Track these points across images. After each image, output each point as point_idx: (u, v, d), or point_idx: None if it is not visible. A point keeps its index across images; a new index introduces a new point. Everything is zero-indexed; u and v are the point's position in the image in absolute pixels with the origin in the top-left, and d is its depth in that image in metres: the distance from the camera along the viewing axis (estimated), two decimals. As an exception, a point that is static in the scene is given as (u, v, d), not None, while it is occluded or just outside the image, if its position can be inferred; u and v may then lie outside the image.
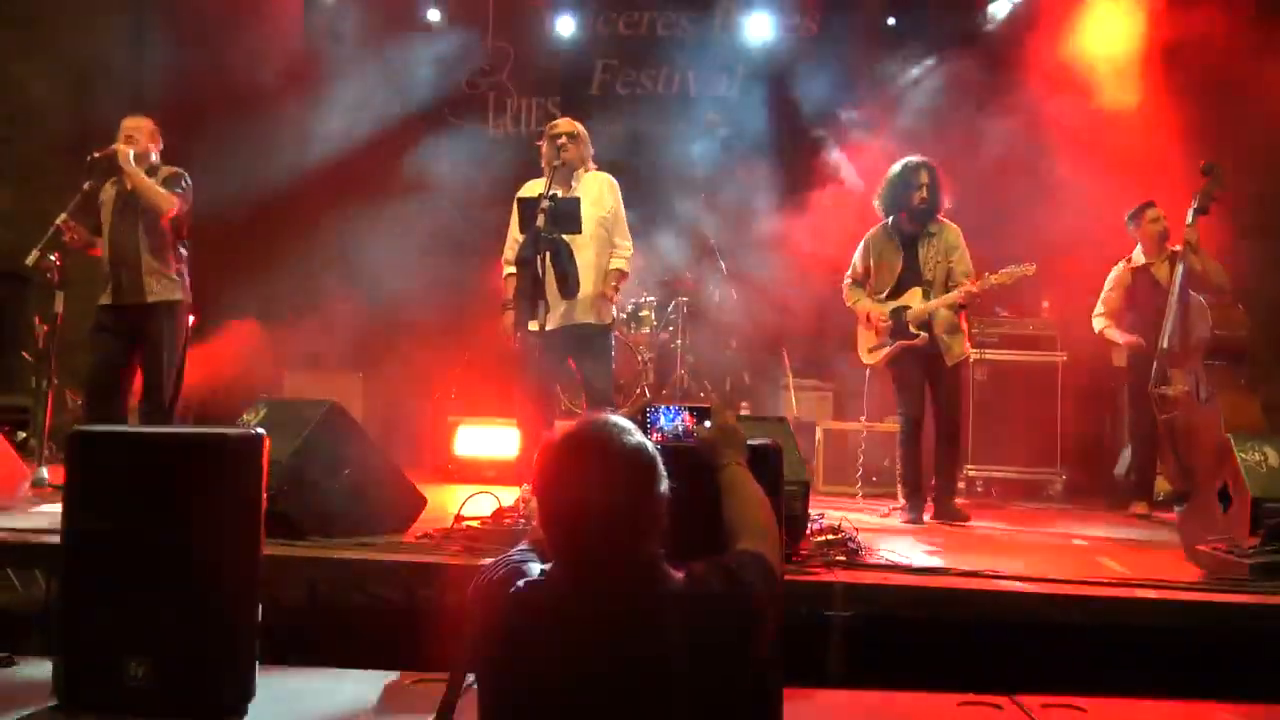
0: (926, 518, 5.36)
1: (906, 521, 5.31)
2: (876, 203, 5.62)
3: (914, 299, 5.44)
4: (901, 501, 5.53)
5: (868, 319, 5.56)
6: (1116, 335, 6.06)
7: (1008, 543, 4.70)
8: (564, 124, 5.00)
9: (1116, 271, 6.12)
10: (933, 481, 5.51)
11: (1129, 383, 6.11)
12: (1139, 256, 6.04)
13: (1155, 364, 5.70)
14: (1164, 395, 5.67)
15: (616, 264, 4.98)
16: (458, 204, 7.42)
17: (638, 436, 1.80)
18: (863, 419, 6.29)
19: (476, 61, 8.39)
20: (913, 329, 5.39)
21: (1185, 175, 5.79)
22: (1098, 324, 6.15)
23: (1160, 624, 3.30)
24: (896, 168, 5.53)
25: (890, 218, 5.57)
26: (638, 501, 1.75)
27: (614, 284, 4.96)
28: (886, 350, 5.50)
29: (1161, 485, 6.06)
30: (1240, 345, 5.55)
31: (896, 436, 5.68)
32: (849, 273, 5.72)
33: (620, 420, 1.82)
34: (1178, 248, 5.66)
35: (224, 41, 7.82)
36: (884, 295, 5.55)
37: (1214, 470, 4.13)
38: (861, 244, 5.68)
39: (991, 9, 7.80)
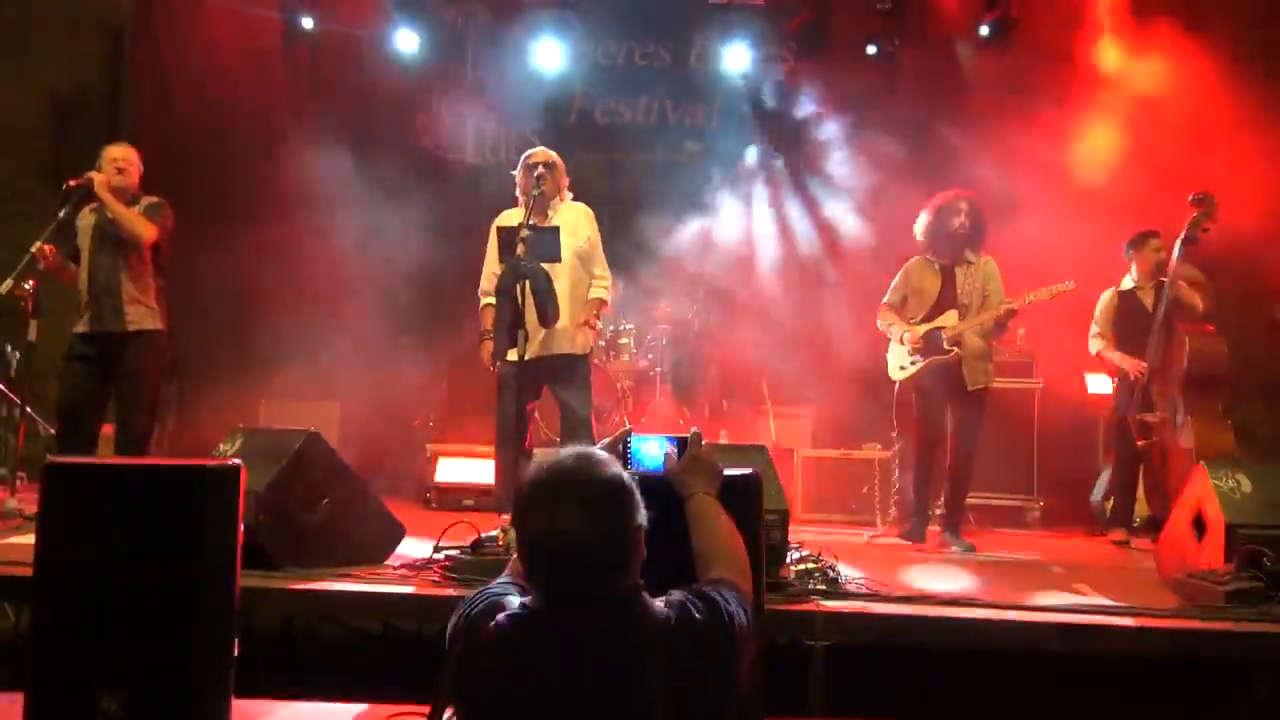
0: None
1: (906, 540, 5.50)
2: (918, 231, 5.68)
3: (949, 319, 5.51)
4: (905, 524, 5.68)
5: (901, 339, 5.62)
6: (1116, 357, 6.03)
7: (986, 570, 4.71)
8: (540, 154, 5.02)
9: (1106, 296, 6.17)
10: (945, 506, 5.59)
11: (1112, 408, 6.14)
12: (1128, 281, 6.10)
13: (1136, 390, 5.76)
14: (1144, 422, 5.72)
15: (596, 293, 5.02)
16: (436, 233, 7.41)
17: (615, 468, 1.81)
18: (894, 434, 6.28)
19: (456, 90, 8.41)
20: (946, 345, 5.44)
21: (1168, 207, 5.89)
22: (1094, 346, 6.18)
23: (1137, 651, 3.32)
24: (938, 199, 5.64)
25: (930, 248, 5.65)
26: (616, 533, 1.76)
27: (594, 313, 5.01)
28: (919, 366, 5.54)
29: (1140, 511, 6.10)
30: (1219, 374, 5.64)
31: (908, 457, 5.81)
32: (885, 298, 5.79)
33: (597, 452, 1.83)
34: (1164, 279, 5.73)
35: (203, 70, 7.83)
36: (918, 320, 5.61)
37: (1189, 497, 4.16)
38: (901, 272, 5.77)
39: (972, 41, 7.88)
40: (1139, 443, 5.78)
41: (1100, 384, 6.72)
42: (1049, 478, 6.84)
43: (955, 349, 5.42)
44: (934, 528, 5.61)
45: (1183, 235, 5.65)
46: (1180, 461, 5.46)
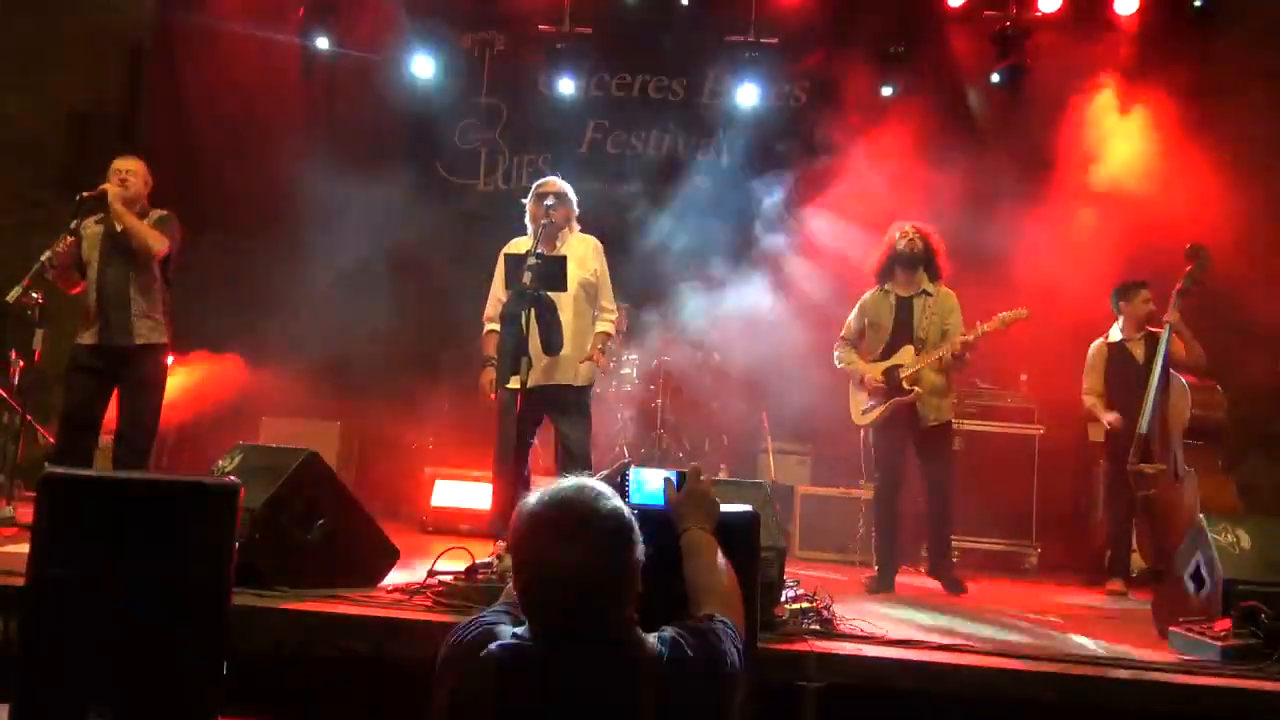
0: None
1: (874, 591, 5.26)
2: (872, 267, 5.63)
3: (906, 357, 5.43)
4: (874, 569, 5.51)
5: (861, 380, 5.54)
6: (1100, 412, 6.07)
7: (982, 616, 4.68)
8: (552, 184, 5.06)
9: (1095, 347, 6.19)
10: (927, 547, 5.52)
11: (1107, 458, 6.13)
12: (1116, 333, 6.12)
13: (1134, 441, 5.75)
14: (1142, 473, 5.71)
15: (602, 327, 5.04)
16: (444, 257, 7.44)
17: (614, 501, 1.80)
18: (861, 482, 6.27)
19: (469, 118, 8.48)
20: (905, 385, 5.36)
21: (1168, 257, 5.92)
22: (1087, 401, 6.20)
23: (1132, 705, 3.28)
24: (891, 230, 5.60)
25: (884, 279, 5.58)
26: (614, 566, 1.75)
27: (599, 346, 5.01)
28: (879, 410, 5.45)
29: (1137, 562, 6.07)
30: (1218, 426, 5.64)
31: (872, 504, 5.67)
32: (842, 333, 5.72)
33: (597, 484, 1.82)
34: (1153, 329, 5.75)
35: (219, 88, 7.90)
36: (877, 354, 5.55)
37: (1188, 550, 4.14)
38: (857, 305, 5.68)
39: (983, 86, 7.93)
40: (1137, 494, 5.76)
41: (1100, 432, 6.70)
42: (1048, 524, 6.82)
43: (915, 388, 5.33)
44: (918, 573, 5.55)
45: (1178, 287, 5.68)
46: (1180, 514, 5.43)
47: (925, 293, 5.49)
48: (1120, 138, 7.44)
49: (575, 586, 1.72)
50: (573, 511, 1.76)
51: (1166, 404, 5.69)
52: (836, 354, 5.71)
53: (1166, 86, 7.30)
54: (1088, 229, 7.03)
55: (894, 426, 5.44)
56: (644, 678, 1.73)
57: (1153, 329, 5.86)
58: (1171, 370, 5.70)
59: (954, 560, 5.60)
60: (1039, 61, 7.70)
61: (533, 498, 1.80)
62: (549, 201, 4.87)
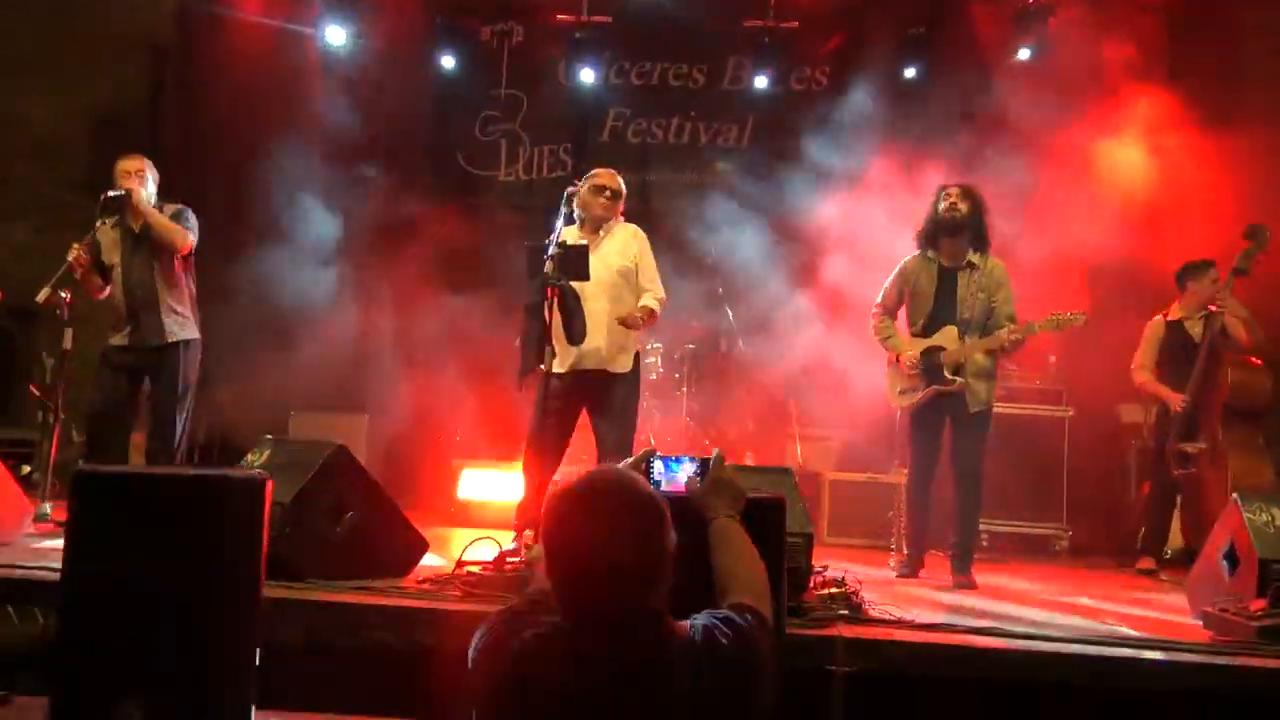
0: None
1: (902, 574, 5.17)
2: (918, 232, 5.23)
3: (949, 339, 5.05)
4: (903, 554, 5.42)
5: (897, 359, 5.19)
6: (1161, 390, 5.90)
7: (1013, 599, 4.65)
8: (607, 176, 4.96)
9: (1152, 324, 6.11)
10: (952, 538, 5.11)
11: (1153, 437, 6.04)
12: (1176, 311, 6.03)
13: (1177, 420, 5.69)
14: (1184, 451, 5.65)
15: (646, 301, 4.87)
16: (467, 248, 7.46)
17: (645, 487, 1.80)
18: (895, 467, 6.21)
19: (489, 109, 8.49)
20: (947, 374, 5.01)
21: (1215, 236, 5.83)
22: (1138, 377, 6.07)
23: (1166, 686, 3.26)
24: (936, 192, 5.21)
25: (929, 246, 5.18)
26: (647, 554, 1.75)
27: (640, 316, 4.77)
28: (919, 395, 5.10)
29: (1173, 542, 6.01)
30: (1261, 406, 5.57)
31: (903, 486, 5.53)
32: (878, 300, 5.31)
33: (628, 471, 1.82)
34: (1212, 308, 5.66)
35: (241, 87, 7.94)
36: (918, 328, 5.17)
37: (1222, 530, 4.10)
38: (896, 269, 5.27)
39: (1007, 65, 7.83)
40: (1176, 472, 5.70)
41: (1132, 414, 6.64)
42: (1078, 507, 6.77)
43: (957, 378, 4.98)
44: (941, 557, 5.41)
45: (1234, 266, 5.59)
46: (1217, 493, 5.38)
47: (971, 264, 5.06)
48: (1151, 117, 7.32)
49: (609, 573, 1.72)
50: (605, 498, 1.76)
51: (1210, 382, 5.63)
52: (873, 324, 5.31)
53: (1199, 64, 7.17)
54: (1117, 209, 6.93)
55: (934, 411, 5.11)
56: (676, 665, 1.73)
57: (1212, 309, 5.73)
58: (1217, 349, 5.62)
59: (972, 558, 5.14)
60: (1063, 38, 7.59)
61: (564, 485, 1.80)
62: (605, 197, 4.85)
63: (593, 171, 5.04)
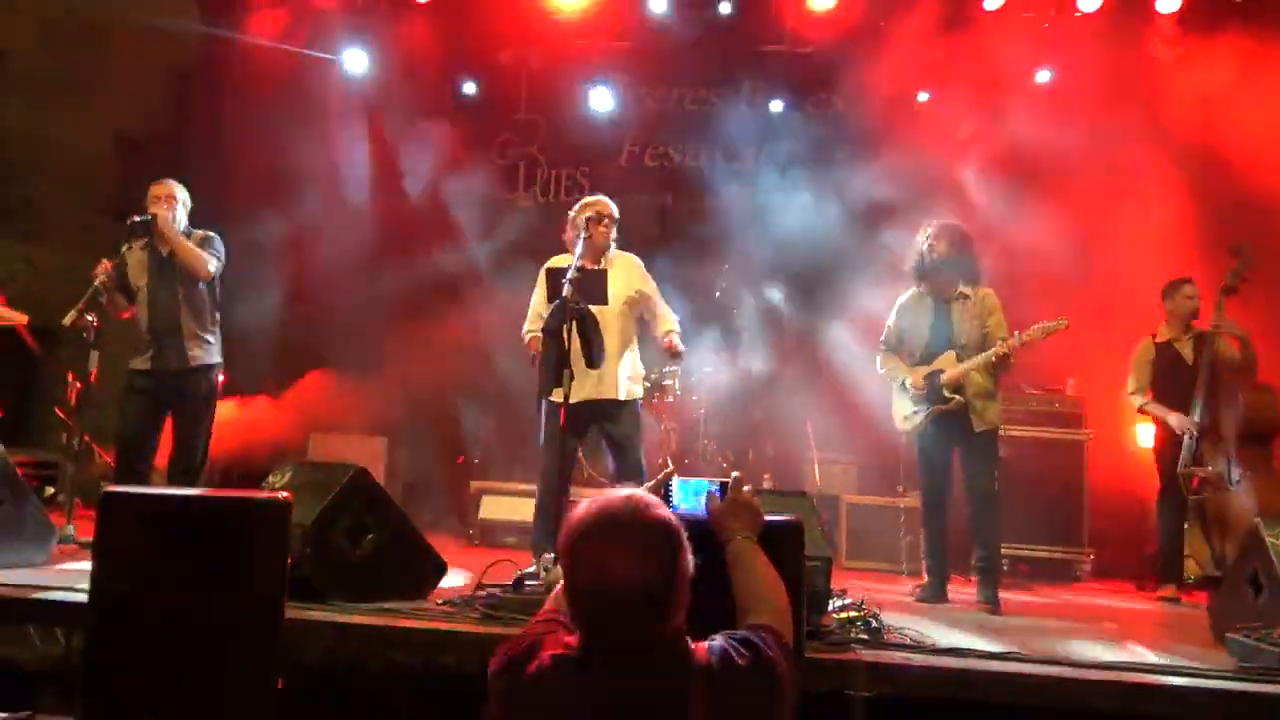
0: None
1: (924, 600, 5.15)
2: (908, 269, 5.42)
3: (947, 363, 5.20)
4: (922, 578, 5.43)
5: (904, 386, 5.33)
6: (1161, 411, 5.88)
7: (1034, 624, 4.62)
8: (600, 204, 5.04)
9: (1142, 347, 6.09)
10: (973, 558, 5.17)
11: (1157, 461, 6.02)
12: (1164, 331, 6.02)
13: (1185, 445, 5.65)
14: (1194, 475, 5.61)
15: (668, 325, 5.08)
16: (485, 271, 7.51)
17: (663, 510, 1.81)
18: (900, 489, 6.21)
19: (508, 133, 8.56)
20: (946, 393, 5.13)
21: (1216, 254, 5.83)
22: (1136, 401, 6.06)
23: (1189, 713, 3.23)
24: (921, 230, 5.38)
25: (919, 282, 5.36)
26: (664, 575, 1.76)
27: (672, 337, 5.03)
28: (922, 417, 5.24)
29: (1191, 568, 5.96)
30: (1273, 428, 5.52)
31: (902, 509, 5.62)
32: (882, 337, 5.52)
33: (647, 495, 1.83)
34: (1204, 329, 5.65)
35: (263, 111, 8.05)
36: (916, 359, 5.34)
37: (1245, 555, 4.07)
38: (895, 307, 5.49)
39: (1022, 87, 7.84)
40: (1189, 497, 5.66)
41: (1152, 435, 6.59)
42: (1100, 530, 6.72)
43: (956, 396, 5.11)
44: (968, 583, 5.40)
45: (1223, 285, 5.59)
46: (1234, 518, 5.34)
47: (963, 295, 5.24)
48: (1166, 136, 7.32)
49: (624, 596, 1.73)
50: (622, 521, 1.78)
51: (1217, 406, 5.59)
52: (879, 362, 5.53)
53: (1210, 86, 7.17)
54: (1134, 229, 6.92)
55: (939, 433, 5.23)
56: (693, 687, 1.73)
57: (1203, 329, 5.76)
58: (1220, 371, 5.60)
59: (999, 578, 5.20)
60: (1079, 60, 7.61)
61: (582, 508, 1.81)
62: (591, 216, 4.90)
63: (583, 201, 5.11)
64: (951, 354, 5.20)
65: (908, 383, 5.27)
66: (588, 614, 1.77)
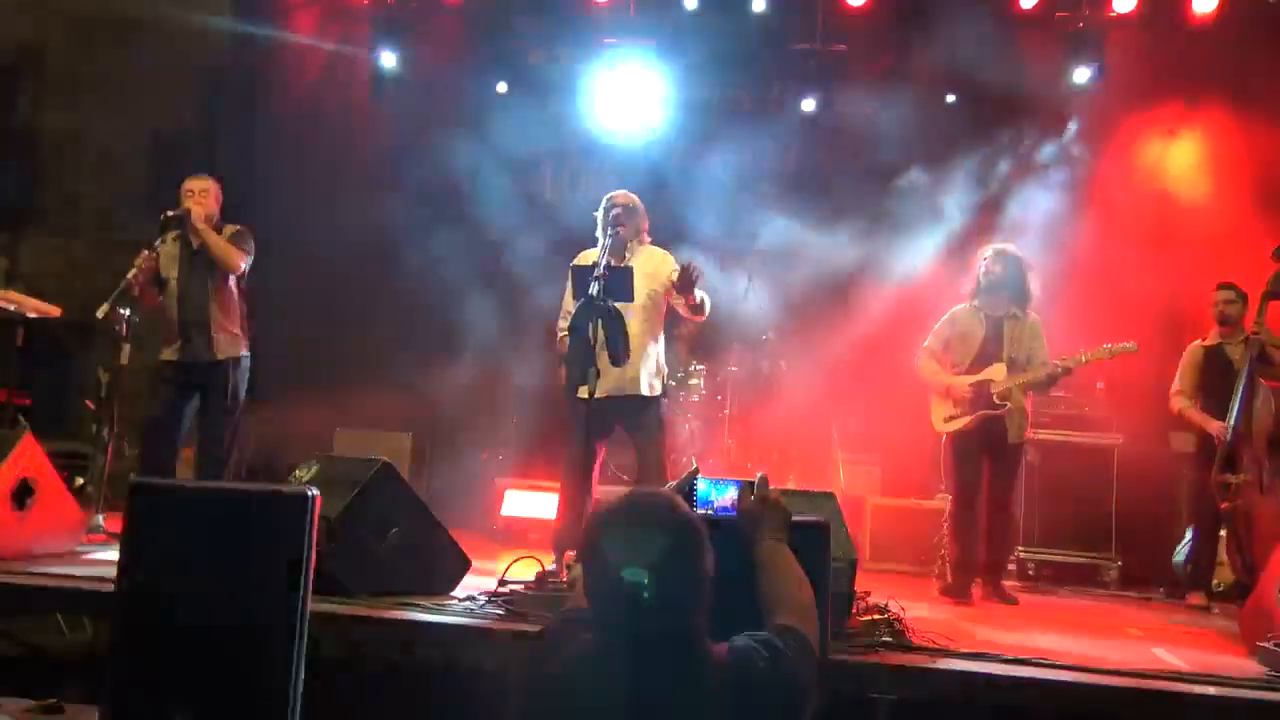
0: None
1: (954, 602, 5.22)
2: (966, 287, 5.70)
3: (997, 374, 5.42)
4: (949, 579, 5.48)
5: (946, 390, 5.52)
6: (1201, 419, 5.85)
7: (1060, 629, 4.58)
8: (621, 196, 5.07)
9: (1190, 350, 6.03)
10: (983, 559, 5.45)
11: (1193, 468, 5.95)
12: (1214, 336, 5.95)
13: (1219, 450, 5.58)
14: (1227, 483, 5.54)
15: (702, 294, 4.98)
16: (513, 268, 7.52)
17: (684, 510, 1.81)
18: (940, 494, 6.20)
19: (536, 128, 8.56)
20: (997, 399, 5.37)
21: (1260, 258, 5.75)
22: (1176, 403, 6.02)
23: (1218, 722, 3.19)
24: (980, 252, 5.68)
25: (975, 298, 5.61)
26: (683, 575, 1.76)
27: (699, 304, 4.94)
28: (967, 420, 5.43)
29: (1222, 576, 5.89)
30: (1307, 434, 5.44)
31: (948, 511, 5.66)
32: (927, 342, 5.70)
33: (667, 493, 1.83)
34: (1253, 334, 5.58)
35: (293, 108, 8.11)
36: (963, 368, 5.54)
37: (1276, 563, 4.01)
38: (946, 317, 5.70)
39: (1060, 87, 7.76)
40: (1221, 505, 5.59)
41: (1184, 441, 6.51)
42: (1128, 537, 6.62)
43: (1006, 403, 5.35)
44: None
45: (1266, 290, 5.51)
46: (1267, 525, 5.26)
47: (1015, 315, 5.51)
48: (1200, 140, 7.24)
49: (644, 595, 1.72)
50: (643, 520, 1.77)
51: (1252, 411, 5.52)
52: (919, 364, 5.70)
53: (1248, 88, 7.08)
54: (1167, 232, 6.85)
55: (975, 439, 5.44)
56: (712, 687, 1.73)
57: (1253, 335, 5.65)
58: (1258, 377, 5.52)
59: (1004, 578, 5.61)
60: (1116, 63, 7.52)
61: (605, 506, 1.81)
62: (615, 213, 4.90)
63: (607, 196, 5.12)
64: (1001, 366, 5.44)
65: (953, 388, 5.48)
66: (607, 610, 1.77)
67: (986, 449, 5.44)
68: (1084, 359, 5.30)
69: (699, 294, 4.94)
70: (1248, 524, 5.48)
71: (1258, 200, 6.68)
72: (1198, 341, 6.03)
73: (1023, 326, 5.49)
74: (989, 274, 5.51)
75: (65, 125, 8.42)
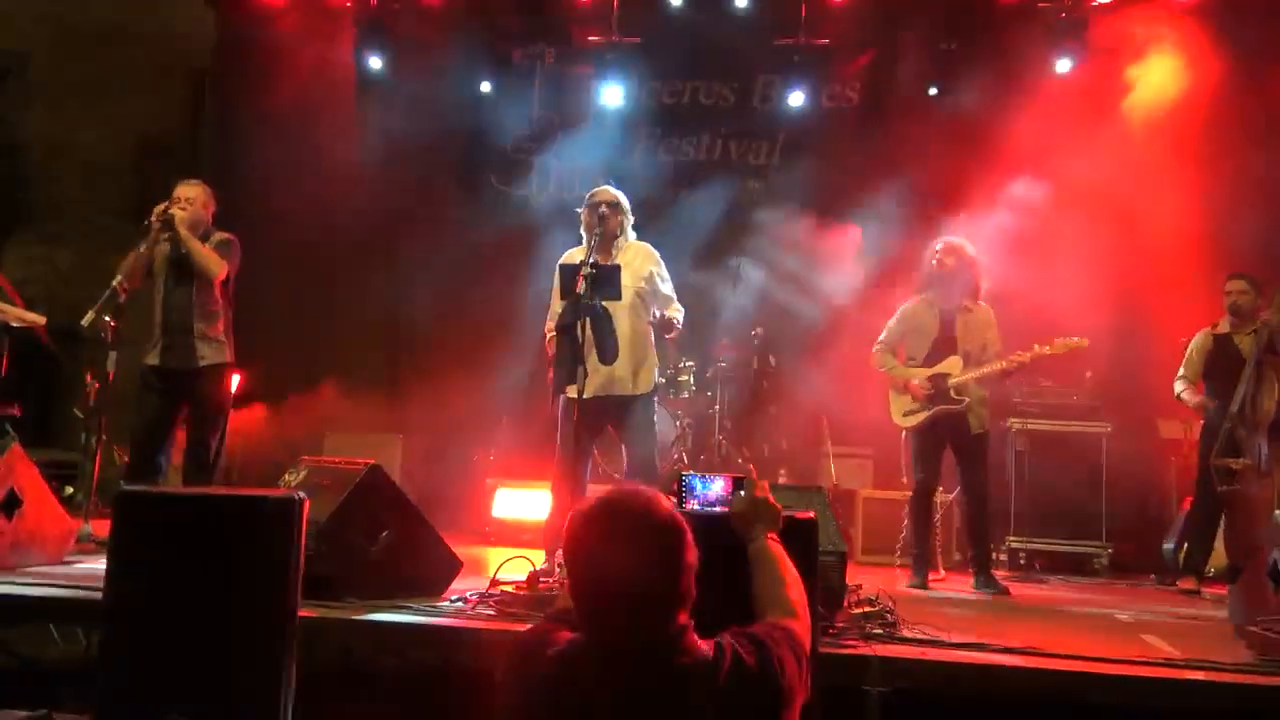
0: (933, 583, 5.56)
1: (911, 586, 5.41)
2: (916, 281, 5.84)
3: (953, 367, 5.57)
4: (911, 573, 5.62)
5: (905, 385, 5.66)
6: (1188, 396, 5.98)
7: (1050, 618, 4.60)
8: (606, 193, 5.06)
9: (1198, 338, 6.08)
10: (970, 552, 5.66)
11: (1199, 453, 5.98)
12: (1224, 325, 5.99)
13: (1221, 435, 5.61)
14: (1227, 467, 5.57)
15: (671, 312, 4.99)
16: (501, 268, 7.52)
17: (667, 506, 1.81)
18: (904, 480, 6.24)
19: (521, 129, 8.56)
20: (954, 394, 5.51)
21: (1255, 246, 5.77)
22: (1178, 387, 6.09)
23: (1208, 706, 3.21)
24: (930, 246, 5.79)
25: (925, 291, 5.75)
26: (666, 573, 1.76)
27: (669, 323, 4.95)
28: (926, 415, 5.58)
29: (1214, 560, 5.92)
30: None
31: (908, 502, 5.81)
32: (881, 337, 5.85)
33: (648, 490, 1.83)
34: (1261, 322, 5.61)
35: (279, 111, 8.09)
36: (919, 361, 5.69)
37: (1266, 548, 4.03)
38: (899, 312, 5.83)
39: (1042, 78, 7.76)
40: (1220, 489, 5.62)
41: (1172, 429, 6.55)
42: (1118, 524, 6.65)
43: (964, 398, 5.49)
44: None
45: None
46: (1259, 510, 5.28)
47: (966, 308, 5.64)
48: (1189, 128, 7.24)
49: (627, 591, 1.73)
50: (624, 517, 1.77)
51: (1257, 397, 5.54)
52: (876, 359, 5.85)
53: (1235, 74, 7.09)
54: (1157, 223, 6.86)
55: (935, 433, 5.60)
56: (696, 684, 1.73)
57: (1261, 324, 5.67)
58: (1263, 364, 5.54)
59: (991, 567, 5.68)
60: (1099, 51, 7.54)
61: (585, 504, 1.81)
62: (601, 211, 4.90)
63: (590, 193, 5.12)
64: (957, 359, 5.58)
65: (911, 383, 5.61)
66: (589, 609, 1.77)
67: (948, 443, 5.60)
68: (1040, 352, 5.44)
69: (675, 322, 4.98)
70: (1245, 508, 5.50)
71: (1245, 190, 6.69)
72: (1207, 329, 6.05)
73: (974, 318, 5.62)
74: (940, 267, 5.64)
75: (50, 131, 8.39)
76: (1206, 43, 7.29)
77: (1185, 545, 6.00)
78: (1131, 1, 7.54)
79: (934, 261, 5.67)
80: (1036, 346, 5.47)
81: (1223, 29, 7.24)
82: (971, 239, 5.85)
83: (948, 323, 5.65)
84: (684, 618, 1.78)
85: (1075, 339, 5.46)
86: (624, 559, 1.73)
